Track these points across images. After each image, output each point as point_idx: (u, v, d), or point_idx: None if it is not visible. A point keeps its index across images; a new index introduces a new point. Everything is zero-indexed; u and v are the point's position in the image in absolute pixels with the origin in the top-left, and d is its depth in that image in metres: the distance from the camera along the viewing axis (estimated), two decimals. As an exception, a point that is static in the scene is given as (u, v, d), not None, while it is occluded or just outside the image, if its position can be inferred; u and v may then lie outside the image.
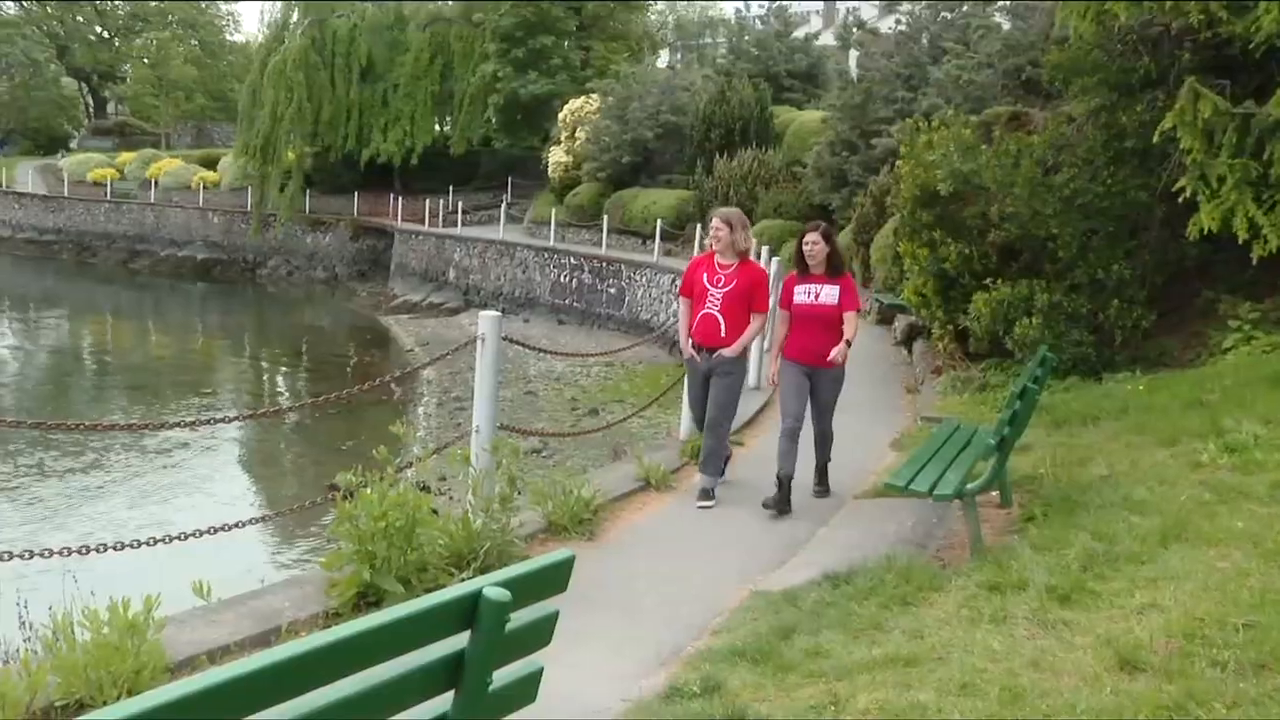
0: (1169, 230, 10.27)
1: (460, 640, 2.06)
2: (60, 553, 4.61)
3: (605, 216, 30.95)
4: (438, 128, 43.54)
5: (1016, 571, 4.66)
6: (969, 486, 5.66)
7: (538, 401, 20.56)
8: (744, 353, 7.36)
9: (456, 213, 38.42)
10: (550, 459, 14.93)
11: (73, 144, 63.43)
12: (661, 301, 25.53)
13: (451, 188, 41.32)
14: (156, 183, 48.65)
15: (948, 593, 4.81)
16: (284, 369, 28.07)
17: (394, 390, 21.10)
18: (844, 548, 6.12)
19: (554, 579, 2.27)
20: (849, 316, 7.14)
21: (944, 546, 6.17)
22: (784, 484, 7.13)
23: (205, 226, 46.13)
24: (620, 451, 12.07)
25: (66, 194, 50.65)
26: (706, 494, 7.30)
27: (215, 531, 5.37)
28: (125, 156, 52.50)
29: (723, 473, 7.57)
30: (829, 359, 7.01)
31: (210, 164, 49.63)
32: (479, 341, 6.13)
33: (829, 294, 7.16)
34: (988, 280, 10.85)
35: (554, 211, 33.62)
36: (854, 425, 10.29)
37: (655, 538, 6.54)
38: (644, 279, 26.80)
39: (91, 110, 69.81)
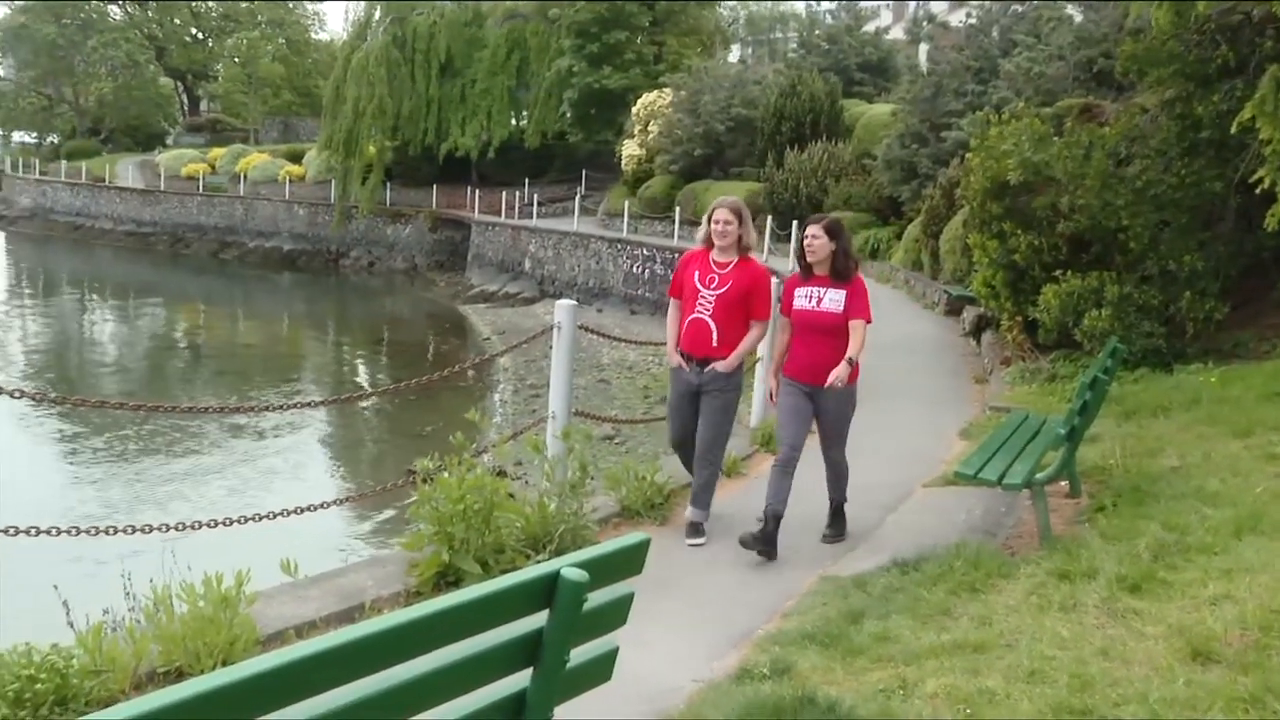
0: (1245, 222, 10.02)
1: (539, 619, 2.07)
2: (159, 529, 4.71)
3: (677, 208, 30.85)
4: (514, 122, 43.68)
5: (1086, 560, 4.58)
6: (1038, 476, 5.57)
7: (610, 389, 20.59)
8: (740, 368, 6.15)
9: (532, 205, 38.53)
10: (623, 445, 14.96)
11: (168, 140, 64.70)
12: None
13: (527, 180, 41.46)
14: (245, 177, 49.42)
15: (1016, 580, 4.74)
16: (365, 356, 28.42)
17: (471, 377, 21.28)
18: (913, 534, 6.07)
19: (630, 561, 2.27)
20: (855, 327, 5.93)
21: (1012, 535, 6.09)
22: (769, 522, 5.89)
23: (291, 219, 46.79)
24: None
25: (163, 188, 51.68)
26: (696, 529, 6.15)
27: (301, 511, 5.46)
28: (216, 152, 53.40)
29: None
30: (826, 383, 5.84)
31: (296, 158, 50.27)
32: (555, 329, 6.16)
33: (833, 300, 5.99)
34: (1057, 272, 10.65)
35: (627, 204, 33.62)
36: (921, 414, 10.21)
37: (726, 522, 6.52)
38: (715, 270, 26.69)
39: (186, 108, 71.15)
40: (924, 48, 27.01)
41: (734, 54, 46.12)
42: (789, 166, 28.15)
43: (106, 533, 4.43)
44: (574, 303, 6.53)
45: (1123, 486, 6.11)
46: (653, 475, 6.61)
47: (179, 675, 3.98)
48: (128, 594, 4.36)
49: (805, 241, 6.06)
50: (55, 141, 65.91)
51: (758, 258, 6.31)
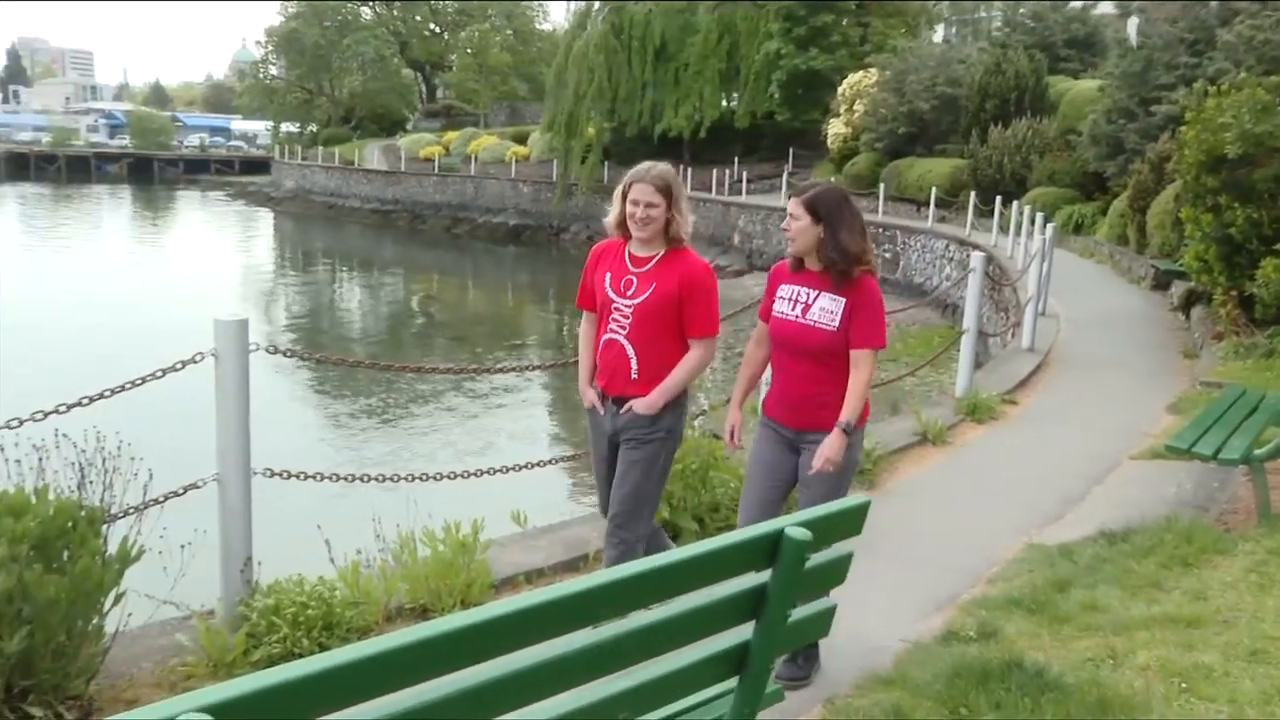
0: None
1: (762, 576, 2.06)
2: (405, 478, 4.93)
3: (881, 185, 30.28)
4: (724, 103, 43.56)
5: (1310, 540, 4.27)
6: (1257, 452, 5.22)
7: (814, 359, 20.35)
8: (674, 406, 4.01)
9: (741, 182, 38.42)
10: (826, 412, 14.76)
11: (408, 126, 67.33)
12: (935, 266, 24.73)
13: (736, 158, 41.32)
14: (476, 158, 50.94)
15: (1233, 557, 4.46)
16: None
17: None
18: (1120, 506, 5.79)
19: (850, 522, 2.25)
20: (859, 361, 3.79)
21: (1227, 511, 5.73)
22: None
23: (516, 196, 47.97)
24: (898, 407, 11.82)
25: (403, 170, 53.81)
26: None
27: (530, 467, 5.61)
28: (450, 135, 55.23)
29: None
30: (814, 466, 3.78)
31: (521, 140, 51.48)
32: (767, 300, 6.09)
33: (825, 309, 3.79)
34: (1278, 245, 9.92)
35: (832, 180, 33.13)
36: (1127, 387, 9.70)
37: (932, 489, 6.37)
38: (918, 244, 26.03)
39: (424, 96, 73.84)
40: (1134, 21, 25.42)
41: (939, 34, 44.56)
42: (992, 143, 27.18)
43: (362, 480, 4.67)
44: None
45: (1348, 466, 5.67)
46: (859, 441, 6.51)
47: (423, 612, 4.17)
48: (377, 536, 4.57)
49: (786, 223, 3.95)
50: (314, 130, 69.61)
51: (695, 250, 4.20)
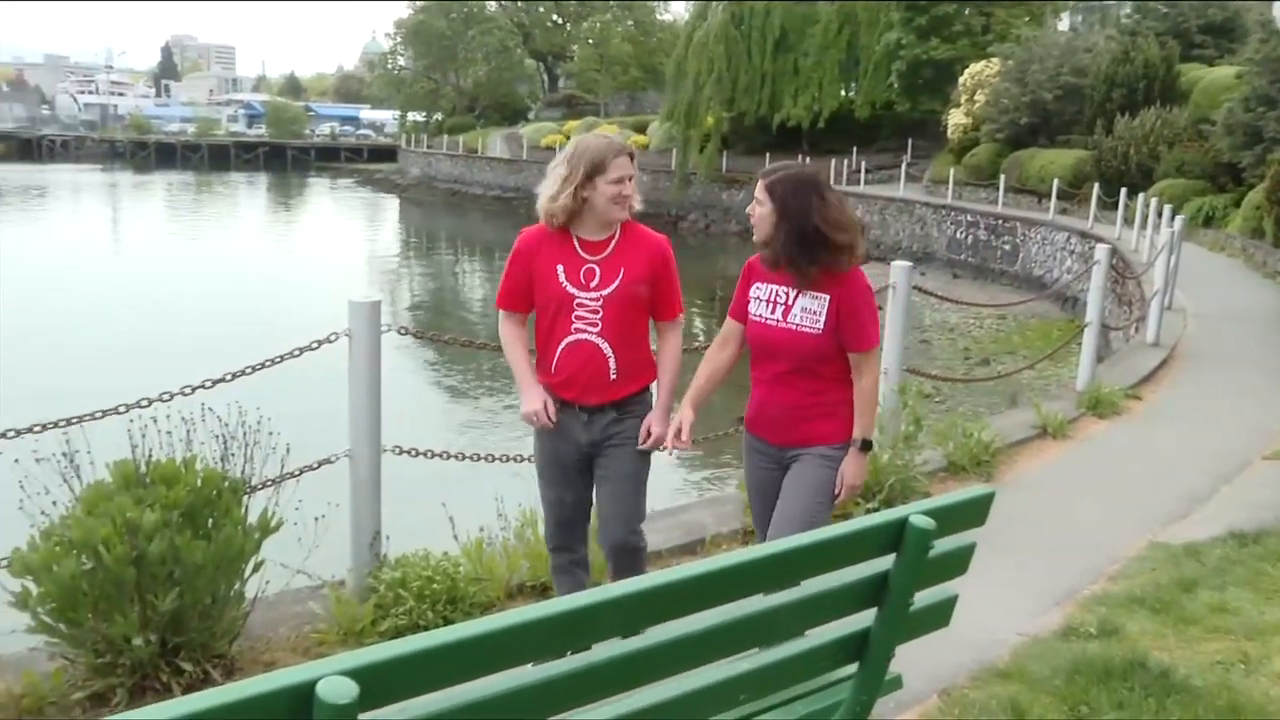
0: None
1: (885, 562, 2.04)
2: (529, 459, 4.99)
3: (1002, 176, 29.49)
4: (843, 93, 42.95)
5: None
6: (1401, 455, 4.95)
7: (931, 350, 19.99)
8: (645, 396, 3.58)
9: (859, 171, 37.87)
10: (943, 404, 14.50)
11: (530, 115, 68.03)
12: (1055, 259, 24.03)
13: (855, 149, 40.71)
14: (596, 147, 51.19)
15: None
16: (700, 310, 28.92)
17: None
18: (1251, 507, 5.54)
19: (974, 512, 2.21)
20: (860, 365, 3.28)
21: (1369, 517, 5.44)
22: None
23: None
24: (1016, 400, 11.54)
25: (524, 157, 54.36)
26: None
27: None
28: (571, 124, 55.53)
29: None
30: (840, 495, 3.30)
31: (641, 129, 51.52)
32: (890, 289, 6.02)
33: (808, 309, 3.24)
34: None
35: (952, 171, 32.44)
36: (1260, 384, 9.28)
37: (1052, 483, 6.20)
38: (1039, 236, 25.32)
39: (546, 86, 74.53)
40: (1279, 4, 24.23)
41: (1063, 22, 43.17)
42: (1118, 133, 26.22)
43: (486, 459, 4.75)
44: (909, 264, 6.36)
45: None
46: (980, 432, 6.39)
47: (543, 590, 4.22)
48: (499, 514, 4.64)
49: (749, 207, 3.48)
50: (439, 119, 70.92)
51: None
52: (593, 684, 1.70)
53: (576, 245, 3.41)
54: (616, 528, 3.49)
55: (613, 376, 3.40)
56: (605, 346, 3.38)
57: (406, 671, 1.45)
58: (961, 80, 34.07)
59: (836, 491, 3.26)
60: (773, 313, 3.26)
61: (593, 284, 3.37)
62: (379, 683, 1.39)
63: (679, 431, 3.37)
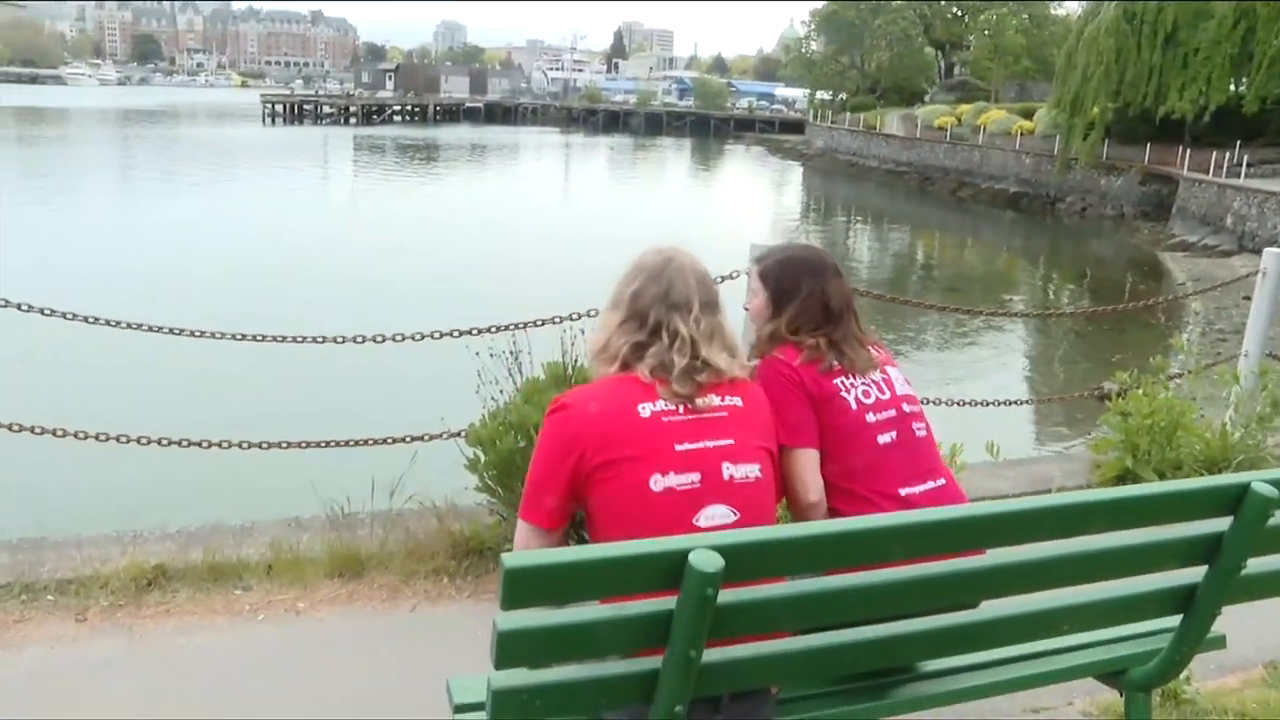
0: None
1: (1223, 524, 1.92)
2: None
3: None
4: (1232, 88, 37.61)
5: None
6: None
7: None
8: None
9: (1240, 165, 33.21)
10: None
11: (926, 98, 65.54)
12: None
13: (1239, 143, 35.64)
14: (984, 129, 48.48)
15: None
16: (1069, 288, 26.94)
17: (1161, 319, 19.38)
18: None
19: (1324, 487, 2.02)
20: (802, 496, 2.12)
21: None
22: None
23: (1018, 166, 45.05)
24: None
25: (918, 136, 52.55)
26: None
27: (998, 404, 5.48)
28: (962, 109, 52.94)
29: None
30: None
31: (1028, 115, 48.15)
32: (1260, 275, 5.41)
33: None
34: None
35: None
36: None
37: None
38: None
39: (942, 72, 71.56)
40: None
41: None
42: None
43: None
44: (1281, 251, 5.67)
45: None
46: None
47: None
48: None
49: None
50: (844, 98, 70.31)
51: None
52: (937, 592, 1.75)
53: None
54: None
55: None
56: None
57: (764, 555, 1.54)
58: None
59: None
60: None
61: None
62: (741, 561, 1.47)
63: None
